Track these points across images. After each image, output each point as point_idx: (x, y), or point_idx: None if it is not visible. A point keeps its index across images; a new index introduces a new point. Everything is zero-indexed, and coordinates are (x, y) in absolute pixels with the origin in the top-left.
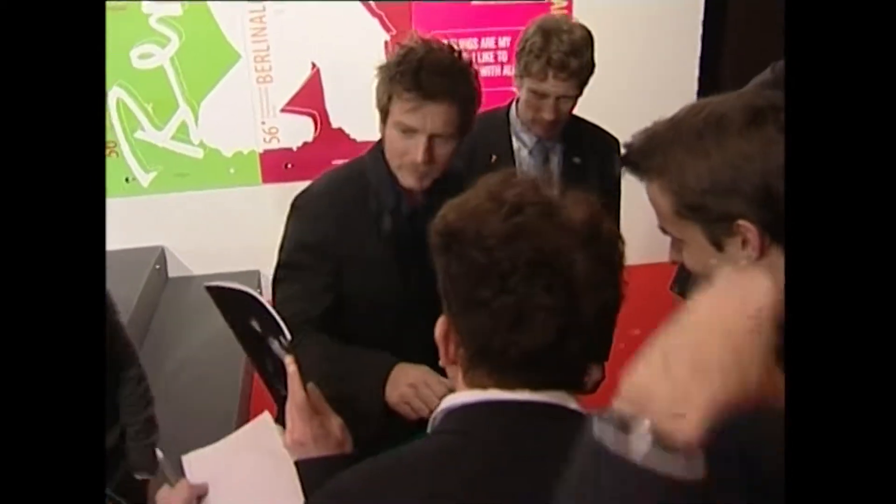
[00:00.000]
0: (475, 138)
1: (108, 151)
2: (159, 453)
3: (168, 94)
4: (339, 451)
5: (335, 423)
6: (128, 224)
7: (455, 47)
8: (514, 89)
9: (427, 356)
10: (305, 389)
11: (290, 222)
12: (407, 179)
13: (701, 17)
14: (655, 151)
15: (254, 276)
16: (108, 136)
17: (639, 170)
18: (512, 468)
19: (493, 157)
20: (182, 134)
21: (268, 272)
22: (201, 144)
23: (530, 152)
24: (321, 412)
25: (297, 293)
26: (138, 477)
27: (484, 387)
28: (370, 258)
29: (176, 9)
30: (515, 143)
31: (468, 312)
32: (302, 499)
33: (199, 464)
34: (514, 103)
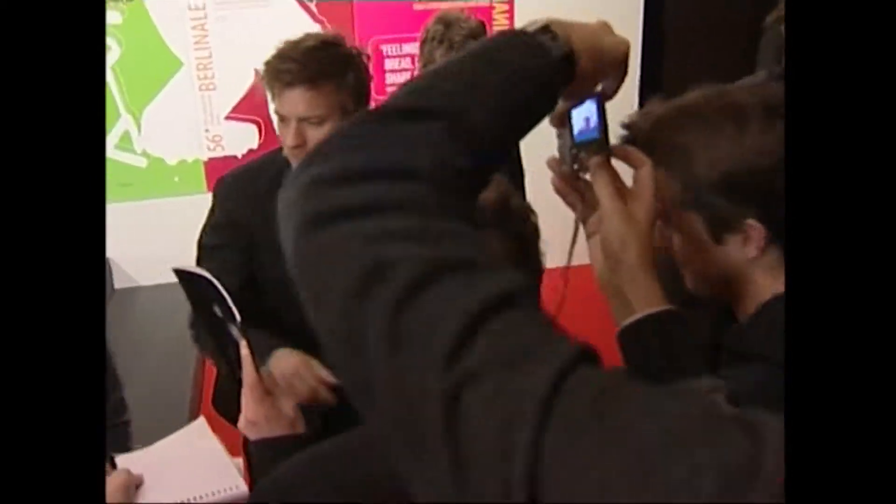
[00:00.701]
0: None
1: None
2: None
3: (110, 102)
4: (291, 430)
5: (287, 403)
6: None
7: (337, 38)
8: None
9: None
10: (258, 371)
11: (210, 207)
12: (294, 166)
13: (640, 24)
14: (662, 136)
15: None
16: None
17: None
18: None
19: None
20: (125, 143)
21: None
22: (144, 153)
23: None
24: (273, 393)
25: (209, 272)
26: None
27: None
28: (279, 240)
29: (116, 17)
30: None
31: None
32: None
33: (133, 465)
34: None
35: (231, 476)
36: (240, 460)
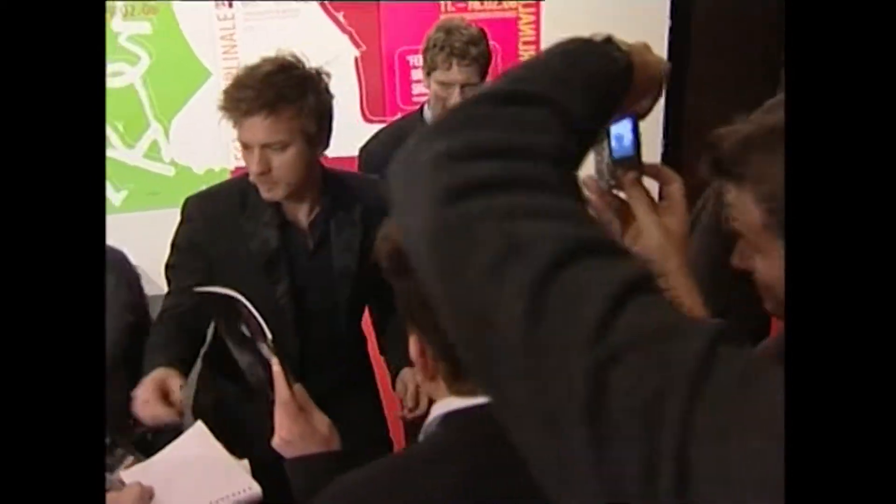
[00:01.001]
0: (395, 145)
1: None
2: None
3: (138, 112)
4: (326, 448)
5: (321, 420)
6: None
7: (295, 61)
8: (426, 89)
9: (294, 365)
10: (291, 388)
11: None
12: (262, 192)
13: (667, 31)
14: (751, 158)
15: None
16: None
17: (730, 175)
18: (505, 468)
19: None
20: (153, 152)
21: None
22: (172, 162)
23: None
24: (307, 410)
25: (171, 290)
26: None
27: (473, 394)
28: (241, 263)
29: (145, 27)
30: None
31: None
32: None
33: (141, 478)
34: (426, 106)
35: (242, 477)
36: (245, 461)
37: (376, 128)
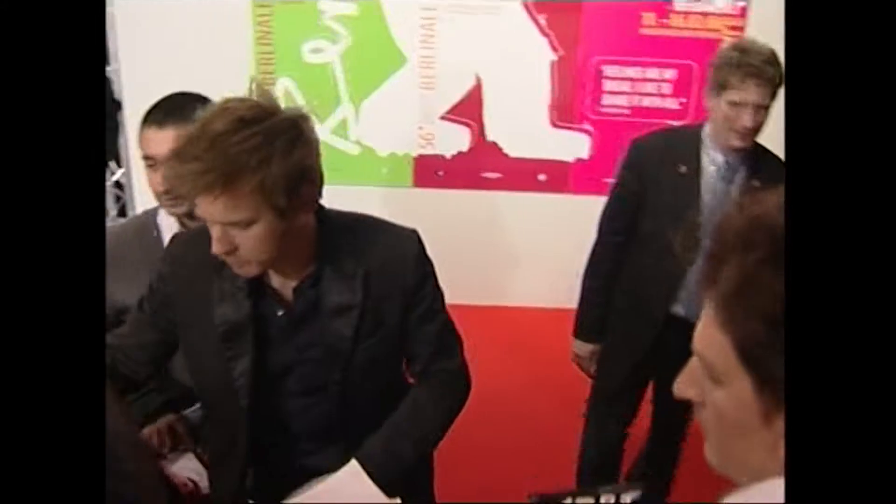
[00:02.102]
0: (665, 149)
1: None
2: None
3: (333, 89)
4: None
5: None
6: None
7: (262, 109)
8: (707, 109)
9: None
10: None
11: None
12: (234, 269)
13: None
14: (730, 257)
15: None
16: None
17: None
18: None
19: (683, 168)
20: (341, 130)
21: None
22: (358, 142)
23: (717, 170)
24: None
25: (129, 324)
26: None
27: None
28: (205, 330)
29: (351, 8)
30: (704, 160)
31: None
32: None
33: None
34: (706, 124)
35: None
36: (398, 499)
37: (561, 134)
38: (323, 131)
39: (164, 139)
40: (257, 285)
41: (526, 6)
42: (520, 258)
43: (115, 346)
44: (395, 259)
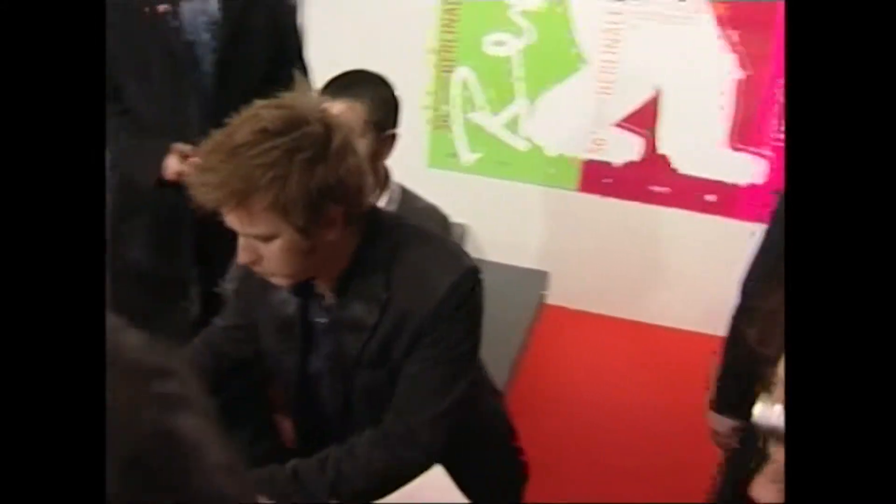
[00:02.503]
0: None
1: (439, 125)
2: None
3: (509, 83)
4: None
5: None
6: (441, 197)
7: (290, 120)
8: None
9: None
10: None
11: None
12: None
13: None
14: None
15: (541, 277)
16: (443, 111)
17: None
18: None
19: None
20: (513, 125)
21: (557, 274)
22: (528, 139)
23: None
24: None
25: (217, 324)
26: None
27: None
28: (268, 322)
29: (537, 4)
30: None
31: None
32: None
33: None
34: None
35: None
36: None
37: (737, 156)
38: (495, 124)
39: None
40: (305, 287)
41: (720, 19)
42: (673, 277)
43: (221, 328)
44: (422, 291)
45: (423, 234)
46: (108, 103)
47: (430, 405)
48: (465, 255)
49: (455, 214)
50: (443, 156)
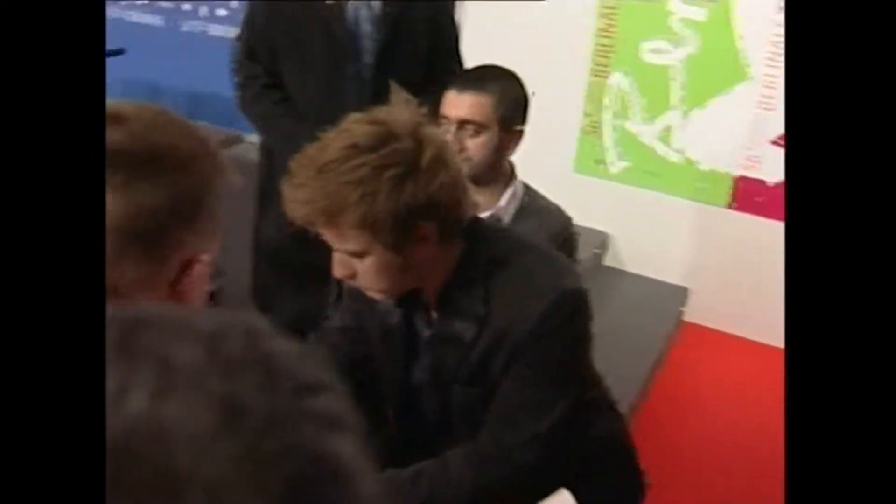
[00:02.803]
0: None
1: (589, 130)
2: None
3: (665, 93)
4: None
5: None
6: (584, 203)
7: (386, 128)
8: None
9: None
10: None
11: None
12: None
13: None
14: None
15: (681, 293)
16: (594, 116)
17: None
18: None
19: None
20: (666, 135)
21: (698, 291)
22: (680, 151)
23: None
24: None
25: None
26: None
27: None
28: (374, 327)
29: (701, 14)
30: None
31: None
32: None
33: None
34: None
35: None
36: None
37: None
38: (648, 133)
39: (460, 103)
40: (411, 298)
41: None
42: None
43: (336, 328)
44: (523, 309)
45: (528, 247)
46: (269, 91)
47: (526, 426)
48: (571, 273)
49: (597, 222)
50: (590, 162)
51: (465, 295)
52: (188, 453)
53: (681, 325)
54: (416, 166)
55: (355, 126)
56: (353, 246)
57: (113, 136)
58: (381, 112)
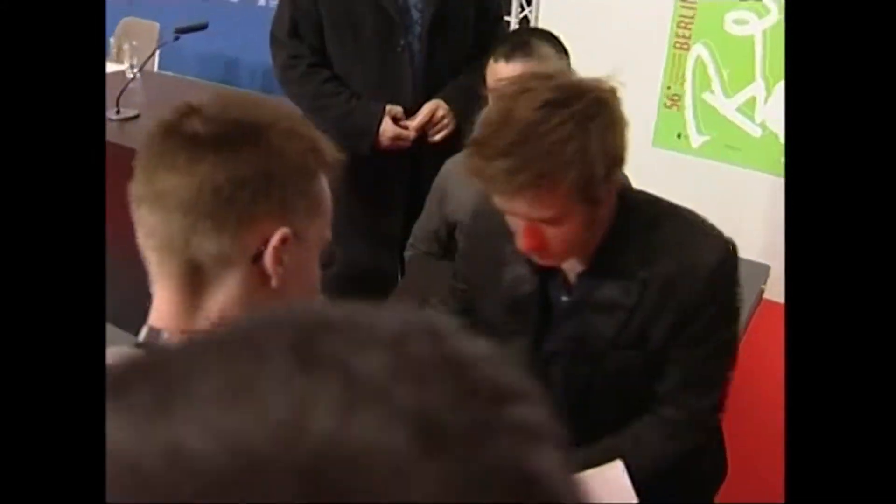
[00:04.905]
0: None
1: (671, 103)
2: None
3: (749, 65)
4: None
5: None
6: (664, 177)
7: (566, 88)
8: None
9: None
10: None
11: None
12: (536, 260)
13: None
14: None
15: (762, 270)
16: (677, 90)
17: None
18: None
19: None
20: (748, 109)
21: (779, 269)
22: (762, 124)
23: None
24: None
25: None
26: None
27: None
28: (495, 295)
29: None
30: None
31: None
32: None
33: None
34: None
35: None
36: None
37: None
38: (728, 106)
39: (512, 71)
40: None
41: None
42: None
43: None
44: (686, 270)
45: (677, 210)
46: (317, 70)
47: (707, 390)
48: (724, 237)
49: (676, 197)
50: (669, 135)
51: (623, 258)
52: (387, 478)
53: (761, 302)
54: (612, 114)
55: (534, 83)
56: (553, 211)
57: (185, 125)
58: (543, 67)
